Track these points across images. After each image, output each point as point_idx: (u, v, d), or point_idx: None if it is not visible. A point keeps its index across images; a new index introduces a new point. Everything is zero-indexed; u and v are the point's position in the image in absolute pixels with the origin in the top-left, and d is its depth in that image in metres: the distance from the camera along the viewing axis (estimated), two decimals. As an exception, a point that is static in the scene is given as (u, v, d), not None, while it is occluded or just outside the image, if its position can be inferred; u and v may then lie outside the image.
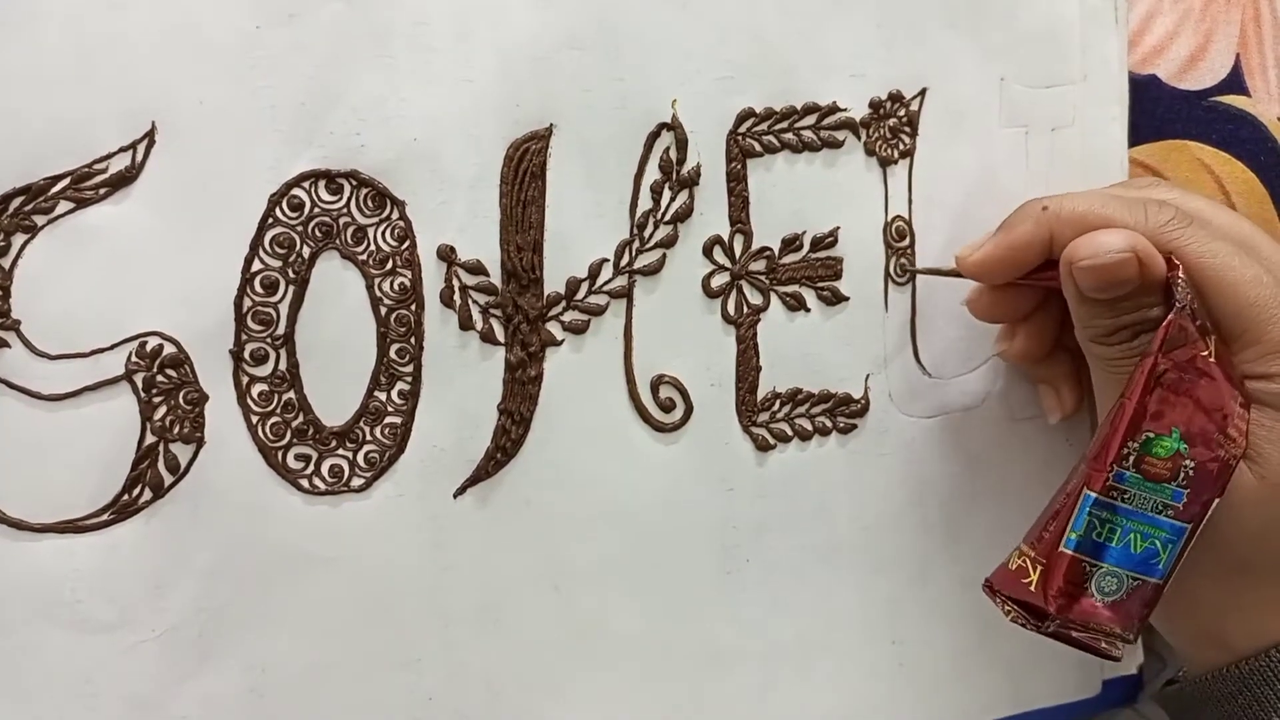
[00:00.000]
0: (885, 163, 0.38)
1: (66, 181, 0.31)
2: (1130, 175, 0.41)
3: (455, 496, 0.35)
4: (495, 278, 0.34)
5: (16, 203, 0.31)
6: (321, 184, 0.33)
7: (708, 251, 0.36)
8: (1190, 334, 0.31)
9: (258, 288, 0.33)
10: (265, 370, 0.33)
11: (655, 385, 0.36)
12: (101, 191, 0.31)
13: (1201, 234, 0.33)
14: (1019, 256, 0.35)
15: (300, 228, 0.33)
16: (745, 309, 0.37)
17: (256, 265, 0.33)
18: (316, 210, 0.33)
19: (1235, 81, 0.41)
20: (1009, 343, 0.38)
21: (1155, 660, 0.44)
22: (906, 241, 0.38)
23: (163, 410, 0.32)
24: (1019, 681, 0.41)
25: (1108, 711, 0.43)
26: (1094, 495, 0.31)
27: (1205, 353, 0.31)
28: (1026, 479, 0.40)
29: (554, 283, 0.35)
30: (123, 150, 0.31)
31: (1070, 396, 0.38)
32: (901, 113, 0.38)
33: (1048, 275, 0.35)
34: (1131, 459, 0.30)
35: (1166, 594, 0.32)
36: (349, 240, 0.33)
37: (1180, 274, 0.32)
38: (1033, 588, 0.31)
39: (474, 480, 0.35)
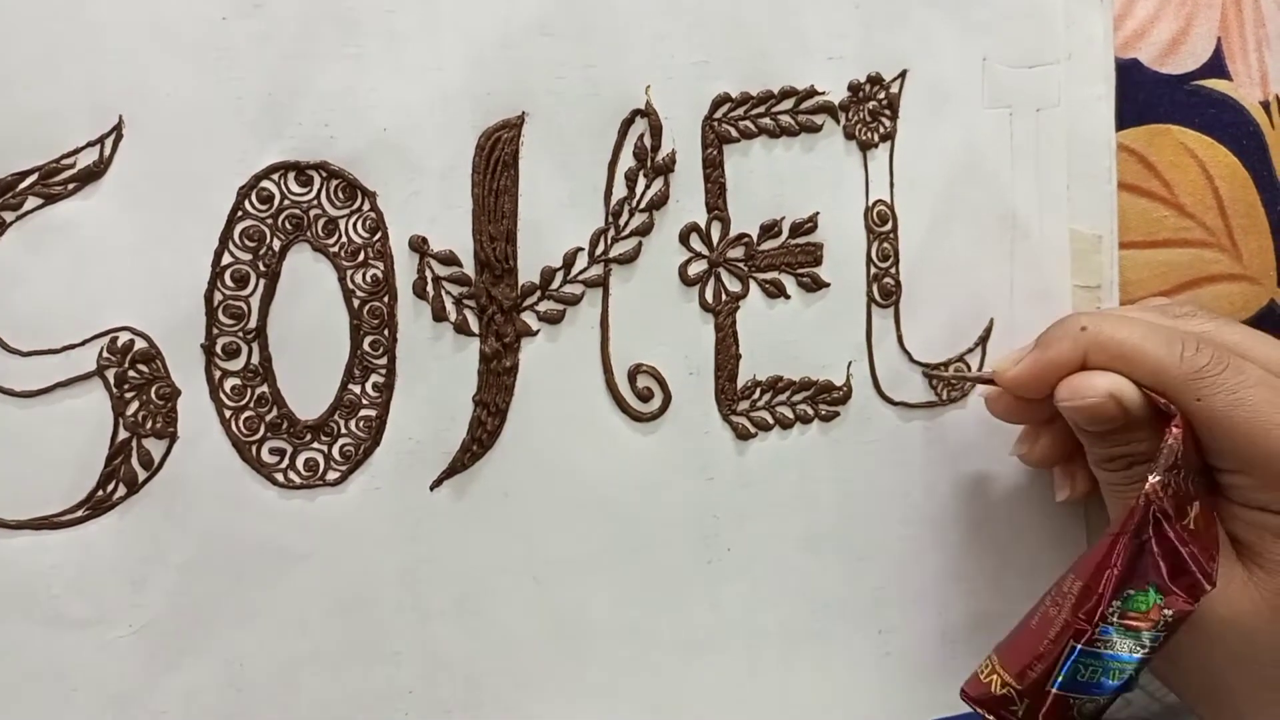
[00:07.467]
0: (865, 146, 0.37)
1: (35, 177, 0.31)
2: (1117, 159, 0.40)
3: (432, 489, 0.34)
4: (469, 268, 0.34)
5: (-16, 199, 0.31)
6: (291, 176, 0.33)
7: (684, 239, 0.36)
8: (1160, 516, 0.32)
9: (228, 281, 0.33)
10: (237, 364, 0.33)
11: (633, 374, 0.36)
12: (70, 187, 0.31)
13: (1235, 379, 0.32)
14: (1055, 375, 0.35)
15: (270, 220, 0.33)
16: (724, 296, 0.36)
17: (227, 259, 0.32)
18: (286, 202, 0.33)
19: (1217, 65, 0.41)
20: (1031, 447, 0.38)
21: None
22: (888, 226, 0.38)
23: (135, 405, 0.32)
24: (1011, 670, 0.41)
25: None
26: (1080, 647, 0.33)
27: (1177, 527, 0.32)
28: (1016, 468, 0.40)
29: (528, 272, 0.35)
30: (90, 145, 0.31)
31: (1083, 483, 0.38)
32: (881, 95, 0.37)
33: None
34: (1115, 615, 0.32)
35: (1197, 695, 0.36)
36: (320, 232, 0.33)
37: (1174, 435, 0.32)
38: (1019, 717, 0.34)
39: (450, 472, 0.35)
